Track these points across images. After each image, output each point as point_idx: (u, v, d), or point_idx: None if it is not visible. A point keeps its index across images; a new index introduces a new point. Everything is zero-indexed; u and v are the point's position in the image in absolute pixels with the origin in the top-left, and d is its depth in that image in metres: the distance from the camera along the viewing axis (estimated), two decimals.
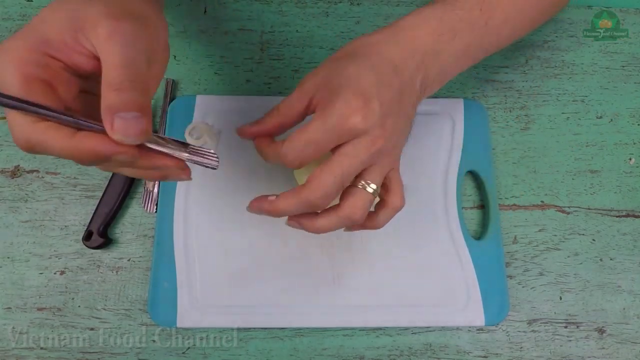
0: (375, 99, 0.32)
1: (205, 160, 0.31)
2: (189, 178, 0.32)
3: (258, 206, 0.35)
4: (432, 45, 0.36)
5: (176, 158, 0.30)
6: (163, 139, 0.30)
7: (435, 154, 0.50)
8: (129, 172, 0.30)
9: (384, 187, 0.37)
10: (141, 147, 0.28)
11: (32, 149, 0.28)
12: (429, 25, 0.36)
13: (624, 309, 0.47)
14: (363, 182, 0.34)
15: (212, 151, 0.31)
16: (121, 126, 0.26)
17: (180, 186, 0.48)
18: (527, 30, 0.44)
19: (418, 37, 0.36)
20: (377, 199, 0.38)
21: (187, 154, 0.30)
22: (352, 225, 0.36)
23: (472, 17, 0.38)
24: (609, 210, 0.50)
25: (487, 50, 0.41)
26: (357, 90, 0.31)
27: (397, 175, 0.36)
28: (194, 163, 0.31)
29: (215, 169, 0.31)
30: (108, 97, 0.26)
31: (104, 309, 0.45)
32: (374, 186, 0.34)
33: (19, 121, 0.27)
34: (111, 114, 0.26)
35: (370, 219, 0.37)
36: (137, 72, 0.27)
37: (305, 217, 0.36)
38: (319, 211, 0.35)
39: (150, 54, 0.28)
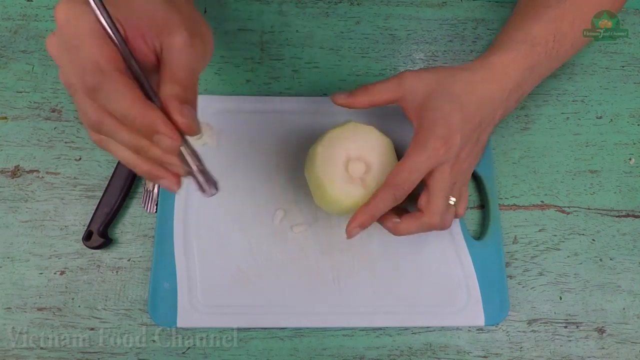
0: (458, 133, 0.38)
1: (205, 186, 0.31)
2: (176, 190, 0.32)
3: (362, 224, 0.40)
4: (518, 80, 0.42)
5: (182, 166, 0.31)
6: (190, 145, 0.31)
7: None
8: (136, 160, 0.31)
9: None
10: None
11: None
12: (517, 63, 0.41)
13: (623, 309, 0.47)
14: None
15: (216, 180, 0.32)
16: (188, 115, 0.29)
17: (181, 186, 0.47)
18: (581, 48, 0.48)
19: (508, 75, 0.41)
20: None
21: (195, 168, 0.31)
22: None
23: (547, 49, 0.43)
24: (608, 210, 0.50)
25: (552, 71, 0.46)
26: (446, 130, 0.38)
27: (466, 189, 0.44)
28: (195, 180, 0.31)
29: (207, 197, 0.32)
30: (175, 88, 0.29)
31: (104, 309, 0.45)
32: (453, 199, 0.41)
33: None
34: (179, 103, 0.29)
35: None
36: (196, 82, 0.31)
37: (388, 221, 0.41)
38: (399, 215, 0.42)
39: (201, 69, 0.32)
